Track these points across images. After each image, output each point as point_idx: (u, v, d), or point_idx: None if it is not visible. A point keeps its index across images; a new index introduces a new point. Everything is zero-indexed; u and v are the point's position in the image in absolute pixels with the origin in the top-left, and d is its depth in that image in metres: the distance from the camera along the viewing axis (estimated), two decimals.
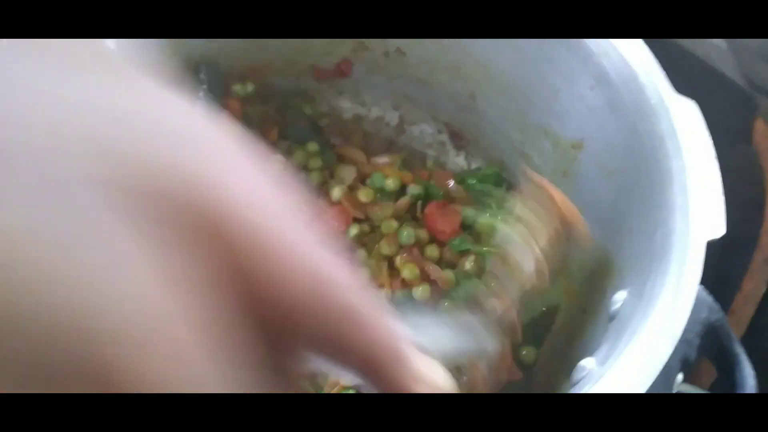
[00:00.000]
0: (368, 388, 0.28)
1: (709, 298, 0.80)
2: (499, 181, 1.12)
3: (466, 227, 1.08)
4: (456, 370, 0.89)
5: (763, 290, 1.36)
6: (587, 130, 0.96)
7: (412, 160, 1.20)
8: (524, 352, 1.02)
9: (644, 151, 0.83)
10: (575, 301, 1.00)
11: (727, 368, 0.81)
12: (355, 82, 1.15)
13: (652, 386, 0.67)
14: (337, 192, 1.05)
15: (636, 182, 0.85)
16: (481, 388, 0.84)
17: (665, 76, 0.85)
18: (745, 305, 1.36)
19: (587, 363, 0.77)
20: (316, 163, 1.11)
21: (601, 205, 0.94)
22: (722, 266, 0.94)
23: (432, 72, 1.15)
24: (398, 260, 1.00)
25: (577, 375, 0.78)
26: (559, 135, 1.02)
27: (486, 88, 1.11)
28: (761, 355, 0.87)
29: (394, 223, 1.04)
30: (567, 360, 0.91)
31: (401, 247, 1.02)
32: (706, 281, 0.73)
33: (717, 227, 0.75)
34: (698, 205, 0.75)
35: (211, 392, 0.20)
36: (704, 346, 0.80)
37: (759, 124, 1.45)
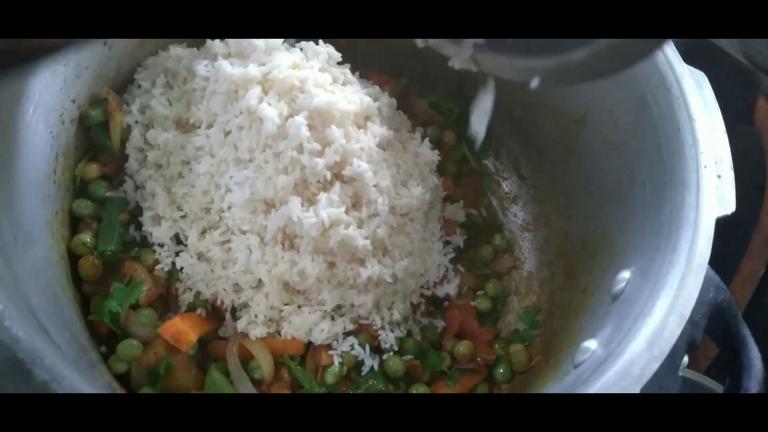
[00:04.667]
0: None
1: (716, 278, 0.78)
2: None
3: None
4: None
5: (762, 272, 1.34)
6: (590, 104, 0.93)
7: None
8: (515, 350, 1.00)
9: (652, 124, 0.79)
10: (574, 281, 0.97)
11: (734, 350, 0.78)
12: (351, 52, 1.11)
13: (658, 370, 0.65)
14: None
15: (642, 157, 0.82)
16: None
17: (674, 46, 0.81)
18: (744, 287, 1.34)
19: (590, 344, 0.74)
20: None
21: (605, 181, 0.91)
22: (721, 247, 0.91)
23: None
24: None
25: (579, 356, 0.75)
26: (561, 109, 0.99)
27: None
28: (759, 337, 0.84)
29: None
30: (567, 340, 0.89)
31: None
32: None
33: (727, 203, 0.72)
34: (709, 180, 0.72)
35: None
36: (710, 327, 0.77)
37: (762, 104, 1.42)
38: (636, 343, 0.64)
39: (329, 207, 0.90)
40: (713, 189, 0.72)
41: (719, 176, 0.72)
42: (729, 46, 1.43)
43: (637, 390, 0.62)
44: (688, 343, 0.73)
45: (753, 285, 1.34)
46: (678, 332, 0.63)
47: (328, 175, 0.91)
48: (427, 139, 1.07)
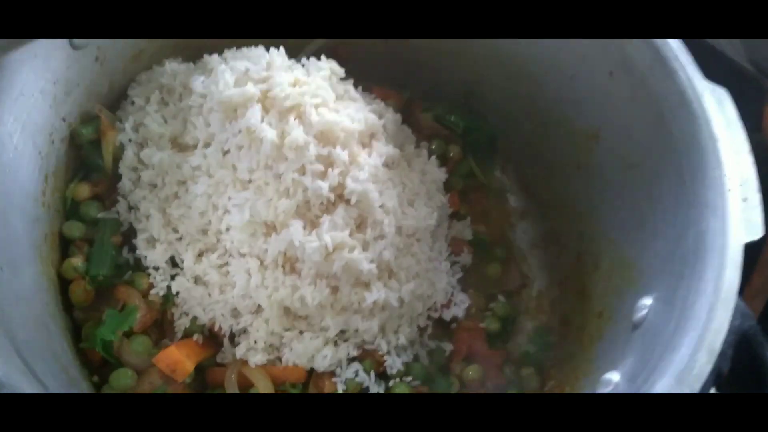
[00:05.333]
0: None
1: (741, 304, 0.74)
2: None
3: None
4: None
5: None
6: (604, 119, 0.89)
7: None
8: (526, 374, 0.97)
9: (671, 143, 0.76)
10: (588, 303, 0.93)
11: (759, 379, 0.75)
12: (353, 65, 1.07)
13: None
14: None
15: (661, 177, 0.78)
16: None
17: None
18: (754, 300, 1.31)
19: (612, 377, 0.71)
20: None
21: (620, 201, 0.88)
22: None
23: (433, 56, 1.07)
24: None
25: (600, 390, 0.71)
26: (573, 124, 0.95)
27: (492, 73, 1.03)
28: None
29: None
30: (583, 367, 0.85)
31: None
32: None
33: (755, 228, 0.69)
34: (734, 204, 0.69)
35: None
36: (736, 356, 0.74)
37: None
38: (664, 381, 0.60)
39: (332, 230, 0.86)
40: (739, 213, 0.68)
41: (745, 199, 0.69)
42: (734, 53, 1.40)
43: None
44: (715, 375, 0.69)
45: (763, 298, 1.31)
46: (708, 368, 0.60)
47: (332, 197, 0.87)
48: (434, 157, 1.03)
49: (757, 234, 0.68)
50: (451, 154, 1.08)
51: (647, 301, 0.74)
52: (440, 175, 1.03)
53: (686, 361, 0.61)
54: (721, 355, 0.69)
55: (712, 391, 0.70)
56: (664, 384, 0.60)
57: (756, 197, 0.70)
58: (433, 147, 1.07)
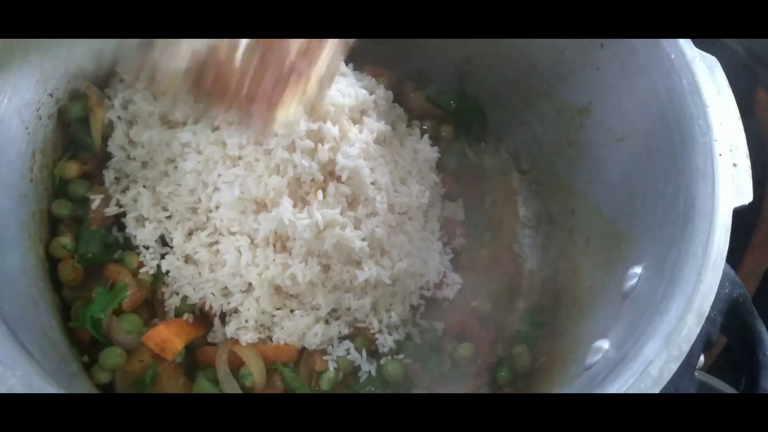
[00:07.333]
0: None
1: (731, 272, 0.74)
2: None
3: None
4: None
5: (766, 267, 1.31)
6: (595, 93, 0.89)
7: None
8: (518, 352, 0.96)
9: (662, 112, 0.75)
10: (579, 279, 0.93)
11: (749, 348, 0.74)
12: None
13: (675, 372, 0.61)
14: None
15: (651, 146, 0.78)
16: None
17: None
18: (746, 283, 1.30)
19: (602, 344, 0.70)
20: None
21: (611, 174, 0.87)
22: None
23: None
24: None
25: (590, 358, 0.71)
26: (563, 99, 0.95)
27: (484, 52, 1.03)
28: None
29: None
30: (574, 341, 0.85)
31: None
32: None
33: (744, 193, 0.68)
34: (724, 169, 0.69)
35: None
36: (725, 323, 0.74)
37: (761, 95, 1.39)
38: (653, 343, 0.60)
39: (324, 207, 0.86)
40: (729, 178, 0.68)
41: (735, 165, 0.69)
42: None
43: (656, 392, 0.58)
44: (704, 341, 0.69)
45: (756, 280, 1.31)
46: (697, 330, 0.60)
47: (321, 177, 0.86)
48: (426, 136, 1.03)
49: (746, 199, 0.68)
50: (444, 134, 1.08)
51: (637, 270, 0.74)
52: (432, 154, 1.03)
53: (674, 323, 0.60)
54: (711, 321, 0.69)
55: (701, 358, 0.70)
56: (652, 346, 0.60)
57: (746, 163, 0.70)
58: (425, 127, 1.06)
